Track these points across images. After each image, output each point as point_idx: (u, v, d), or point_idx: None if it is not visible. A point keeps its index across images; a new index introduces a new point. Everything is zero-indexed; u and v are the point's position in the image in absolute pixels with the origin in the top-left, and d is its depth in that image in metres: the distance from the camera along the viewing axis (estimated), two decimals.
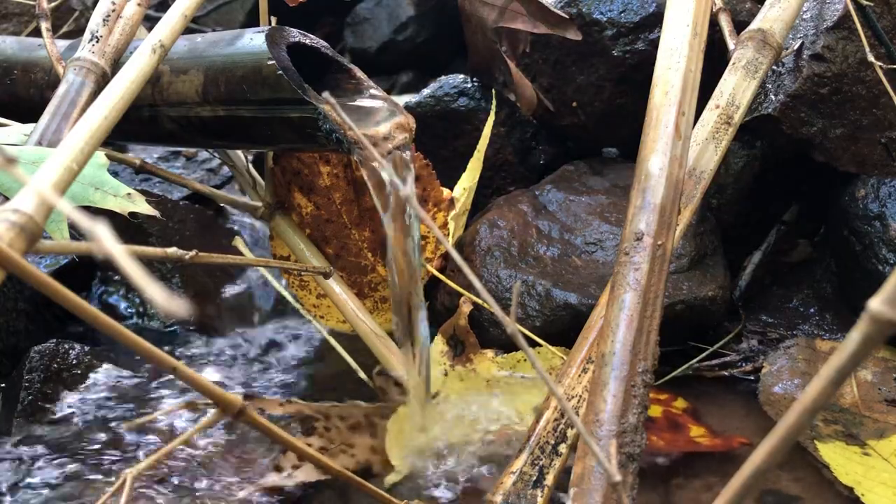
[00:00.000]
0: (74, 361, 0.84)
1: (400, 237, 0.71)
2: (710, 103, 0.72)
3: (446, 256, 0.93)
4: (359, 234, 0.89)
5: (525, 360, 0.85)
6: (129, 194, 0.60)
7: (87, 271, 1.01)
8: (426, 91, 1.06)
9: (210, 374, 0.89)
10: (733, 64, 0.74)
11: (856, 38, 0.83)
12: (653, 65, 0.69)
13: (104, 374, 0.85)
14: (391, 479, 0.71)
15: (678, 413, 0.80)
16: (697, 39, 0.68)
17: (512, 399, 0.81)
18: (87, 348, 0.85)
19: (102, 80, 0.66)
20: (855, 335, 0.25)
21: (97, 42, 0.67)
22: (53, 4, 0.81)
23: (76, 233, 0.76)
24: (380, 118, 0.70)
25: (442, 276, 0.89)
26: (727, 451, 0.74)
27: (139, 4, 0.70)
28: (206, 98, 0.72)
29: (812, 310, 0.94)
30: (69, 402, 0.81)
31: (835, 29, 0.86)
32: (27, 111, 0.77)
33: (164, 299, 0.23)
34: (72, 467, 0.72)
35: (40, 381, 0.80)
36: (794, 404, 0.28)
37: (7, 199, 0.55)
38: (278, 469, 0.70)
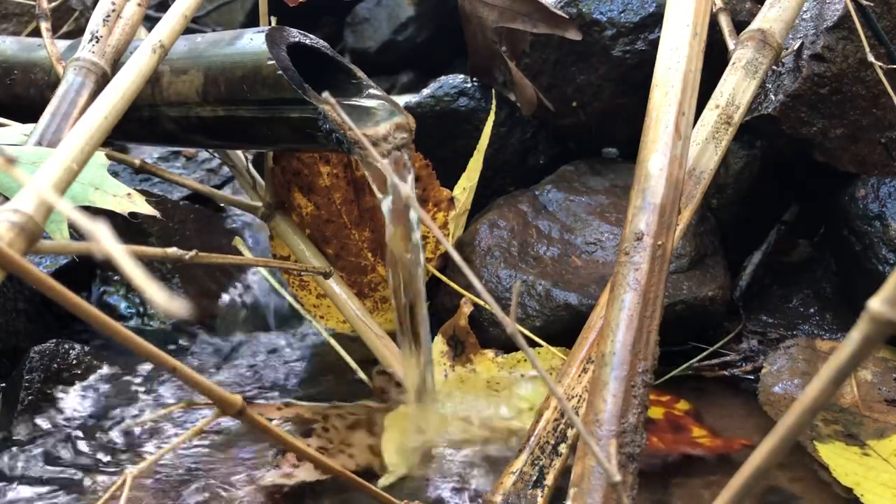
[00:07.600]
0: (74, 361, 0.84)
1: (401, 237, 0.71)
2: (710, 103, 0.72)
3: (446, 256, 0.93)
4: (359, 234, 0.89)
5: (525, 360, 0.85)
6: (129, 194, 0.60)
7: (87, 271, 1.01)
8: (426, 91, 1.06)
9: (209, 374, 0.89)
10: (733, 64, 0.74)
11: (856, 38, 0.83)
12: (653, 65, 0.68)
13: (104, 374, 0.85)
14: (390, 479, 0.71)
15: (680, 415, 0.80)
16: (697, 39, 0.68)
17: (512, 399, 0.81)
18: (87, 348, 0.85)
19: (102, 80, 0.66)
20: (855, 335, 0.25)
21: (97, 42, 0.67)
22: (53, 4, 0.81)
23: (76, 233, 0.76)
24: (380, 118, 0.70)
25: (442, 277, 0.89)
26: (728, 452, 0.74)
27: (139, 4, 0.70)
28: (206, 98, 0.72)
29: (812, 310, 0.94)
30: (69, 402, 0.81)
31: (835, 29, 0.86)
32: (27, 111, 0.77)
33: (164, 299, 0.23)
34: (72, 467, 0.72)
35: (40, 381, 0.80)
36: (794, 404, 0.28)
37: (7, 199, 0.55)
38: (278, 468, 0.70)
